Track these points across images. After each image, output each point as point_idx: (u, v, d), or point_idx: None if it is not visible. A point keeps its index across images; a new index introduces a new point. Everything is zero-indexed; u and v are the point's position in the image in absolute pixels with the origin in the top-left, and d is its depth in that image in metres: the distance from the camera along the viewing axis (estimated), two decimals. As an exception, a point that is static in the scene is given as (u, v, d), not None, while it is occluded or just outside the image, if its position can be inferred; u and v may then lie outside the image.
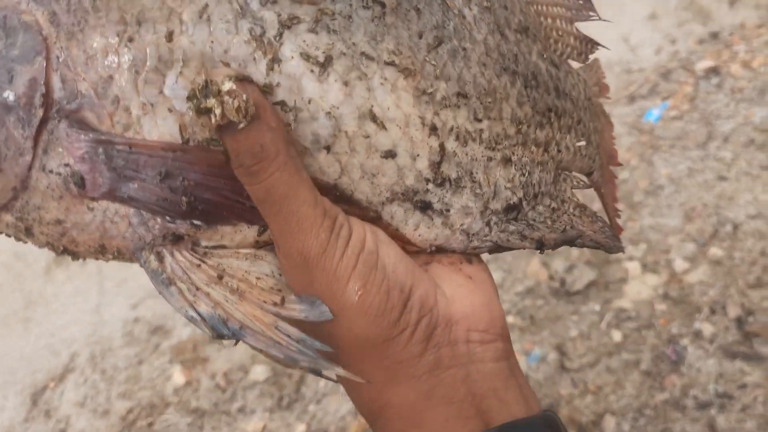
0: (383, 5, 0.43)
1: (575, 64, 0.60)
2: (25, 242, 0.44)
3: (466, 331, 0.42)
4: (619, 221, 0.65)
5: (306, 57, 0.41)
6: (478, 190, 0.47)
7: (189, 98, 0.37)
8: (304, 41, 0.41)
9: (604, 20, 0.57)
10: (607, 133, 0.63)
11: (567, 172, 0.56)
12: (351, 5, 0.42)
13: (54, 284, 1.87)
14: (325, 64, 0.41)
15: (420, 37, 0.44)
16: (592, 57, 0.60)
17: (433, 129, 0.44)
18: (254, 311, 0.41)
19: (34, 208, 0.42)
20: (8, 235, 0.45)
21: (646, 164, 1.66)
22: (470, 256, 0.48)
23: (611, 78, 1.85)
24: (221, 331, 0.40)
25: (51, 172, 0.41)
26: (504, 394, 0.42)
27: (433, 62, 0.44)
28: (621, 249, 0.56)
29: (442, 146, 0.45)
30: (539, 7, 0.54)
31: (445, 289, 0.44)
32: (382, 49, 0.43)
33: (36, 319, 1.82)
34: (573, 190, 0.56)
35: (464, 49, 0.46)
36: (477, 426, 0.41)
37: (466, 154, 0.46)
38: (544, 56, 0.53)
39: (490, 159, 0.48)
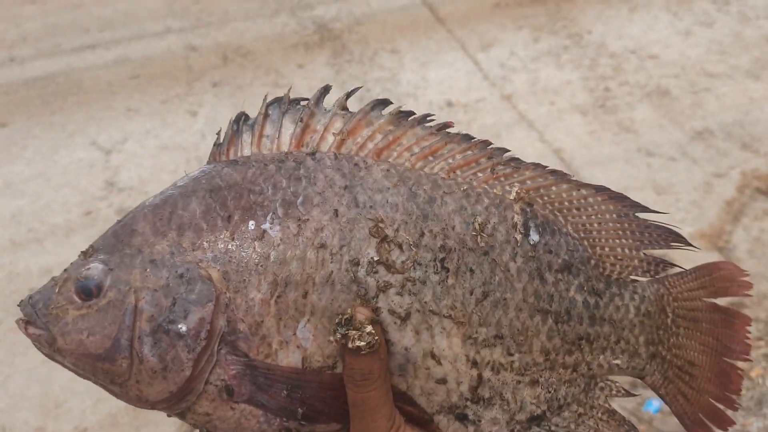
0: (448, 270, 0.60)
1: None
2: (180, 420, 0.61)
3: None
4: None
5: (392, 312, 0.58)
6: (506, 407, 0.62)
7: (337, 323, 0.56)
8: (392, 301, 0.59)
9: (696, 248, 0.66)
10: (728, 330, 0.65)
11: (607, 382, 0.66)
12: (426, 272, 0.59)
13: (30, 468, 1.83)
14: (405, 318, 0.59)
15: (471, 293, 0.60)
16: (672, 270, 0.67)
17: (474, 363, 0.61)
18: None
19: (190, 404, 0.58)
20: (168, 415, 0.61)
21: (643, 454, 1.67)
22: None
23: (615, 362, 1.93)
24: None
25: (209, 383, 0.57)
26: None
27: (478, 313, 0.60)
28: None
29: (479, 375, 0.61)
30: (594, 240, 0.65)
31: None
32: (443, 305, 0.60)
33: (-1, 502, 1.75)
34: (611, 399, 0.66)
35: (505, 299, 0.61)
36: None
37: (498, 380, 0.62)
38: (584, 288, 0.64)
39: (519, 382, 0.62)
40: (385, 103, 0.64)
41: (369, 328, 0.55)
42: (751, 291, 0.64)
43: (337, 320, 0.56)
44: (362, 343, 0.54)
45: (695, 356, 0.66)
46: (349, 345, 0.55)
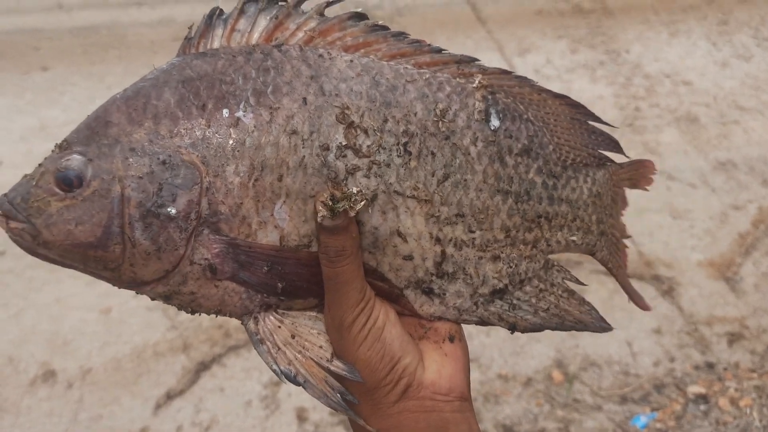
0: (410, 153, 0.63)
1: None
2: (163, 303, 0.63)
3: (431, 392, 0.63)
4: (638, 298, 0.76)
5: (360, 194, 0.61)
6: (469, 280, 0.67)
7: (323, 202, 0.58)
8: (360, 183, 0.61)
9: (627, 156, 0.74)
10: (621, 213, 0.76)
11: (560, 267, 0.71)
12: (390, 155, 0.62)
13: (33, 398, 1.89)
14: (372, 200, 0.62)
15: (433, 175, 0.64)
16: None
17: (438, 240, 0.65)
18: (312, 368, 0.61)
19: (177, 284, 0.61)
20: (152, 298, 0.63)
21: (623, 466, 1.71)
22: (454, 336, 0.67)
23: (608, 374, 1.97)
24: (292, 381, 0.60)
25: (194, 263, 0.60)
26: (455, 429, 0.62)
27: (440, 194, 0.64)
28: (607, 329, 0.70)
29: (443, 252, 0.65)
30: (551, 131, 0.70)
31: (425, 361, 0.64)
32: (406, 186, 0.63)
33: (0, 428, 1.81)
34: (566, 281, 0.71)
35: (465, 180, 0.65)
36: None
37: (461, 256, 0.66)
38: (543, 171, 0.69)
39: (480, 258, 0.66)
40: (363, 16, 0.65)
41: (355, 190, 0.59)
42: (650, 187, 0.76)
43: (321, 198, 0.59)
44: (360, 205, 0.58)
45: (617, 234, 0.76)
46: (351, 214, 0.58)
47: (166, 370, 1.96)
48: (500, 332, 2.06)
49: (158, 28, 3.44)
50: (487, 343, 2.05)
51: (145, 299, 2.13)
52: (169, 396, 1.90)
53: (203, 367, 1.98)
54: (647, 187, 0.76)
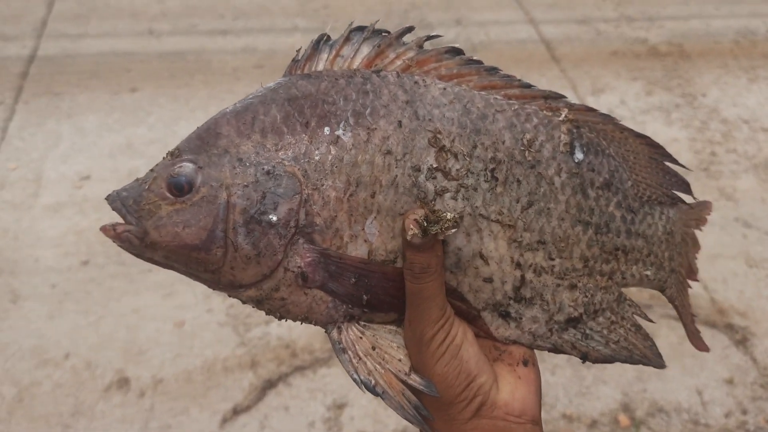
0: (497, 179, 0.66)
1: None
2: (252, 307, 0.66)
3: (504, 413, 0.64)
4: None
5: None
6: (545, 307, 0.68)
7: (416, 221, 0.60)
8: (447, 205, 0.64)
9: (694, 197, 0.76)
10: (692, 253, 0.78)
11: (631, 301, 0.73)
12: (478, 180, 0.65)
13: (107, 404, 1.96)
14: (457, 222, 0.62)
15: (517, 201, 0.66)
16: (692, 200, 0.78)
17: (518, 265, 0.67)
18: (391, 380, 0.63)
19: (270, 289, 0.64)
20: (243, 302, 0.65)
21: None
22: (528, 360, 0.68)
23: (676, 422, 1.92)
24: (371, 391, 0.62)
25: (288, 269, 0.63)
26: None
27: (523, 220, 0.66)
28: (661, 366, 0.72)
29: (522, 276, 0.67)
30: (630, 168, 0.72)
31: (500, 382, 0.66)
32: (492, 210, 0.65)
33: (75, 429, 1.89)
34: (635, 316, 0.72)
35: (548, 208, 0.67)
36: None
37: (540, 282, 0.68)
38: (622, 205, 0.71)
39: (558, 285, 0.68)
40: (460, 51, 0.69)
41: (449, 215, 0.61)
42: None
43: (414, 217, 0.61)
44: (451, 232, 0.60)
45: (684, 273, 0.77)
46: (440, 237, 0.60)
47: (234, 386, 2.01)
48: (565, 371, 2.04)
49: (241, 56, 3.59)
50: (552, 382, 2.03)
51: (217, 314, 2.19)
52: (236, 411, 1.95)
53: (269, 384, 2.02)
54: (701, 227, 0.79)
